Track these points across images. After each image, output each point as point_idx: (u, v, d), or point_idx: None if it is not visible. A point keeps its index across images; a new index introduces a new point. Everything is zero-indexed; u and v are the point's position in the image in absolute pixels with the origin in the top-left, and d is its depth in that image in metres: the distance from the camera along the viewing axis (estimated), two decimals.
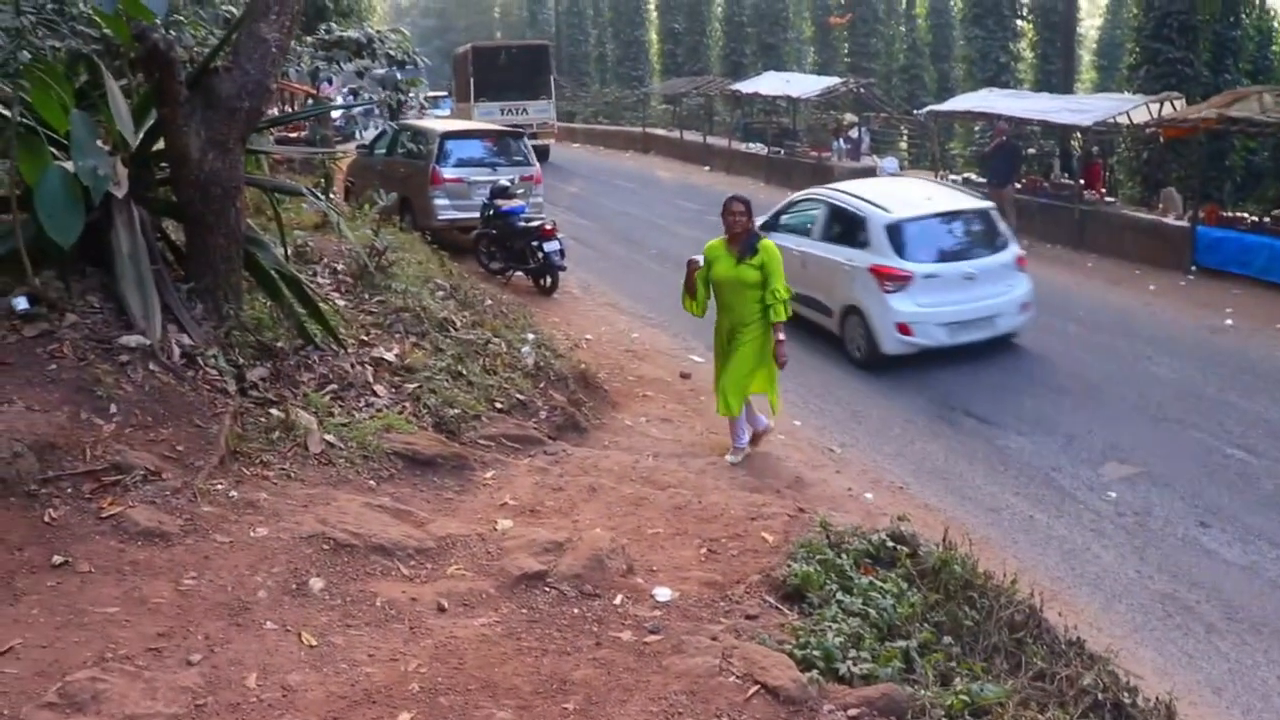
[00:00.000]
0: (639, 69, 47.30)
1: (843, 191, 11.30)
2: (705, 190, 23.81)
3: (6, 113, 4.96)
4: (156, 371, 4.81)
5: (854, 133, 25.11)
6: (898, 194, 11.06)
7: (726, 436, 7.77)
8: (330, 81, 10.92)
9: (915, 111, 24.73)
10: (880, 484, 7.31)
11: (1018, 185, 17.30)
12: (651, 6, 48.53)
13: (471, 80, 29.65)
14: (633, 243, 17.29)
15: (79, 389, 4.49)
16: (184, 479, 4.11)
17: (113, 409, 4.44)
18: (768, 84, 27.10)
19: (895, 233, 10.06)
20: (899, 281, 9.71)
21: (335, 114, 20.10)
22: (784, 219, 11.60)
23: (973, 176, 19.75)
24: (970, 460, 7.86)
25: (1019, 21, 27.45)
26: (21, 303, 4.92)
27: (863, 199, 10.66)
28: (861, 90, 25.80)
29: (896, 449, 8.12)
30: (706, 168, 27.94)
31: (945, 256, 10.24)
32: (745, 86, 28.15)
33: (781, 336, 6.87)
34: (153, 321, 5.02)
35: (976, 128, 24.73)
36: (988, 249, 10.50)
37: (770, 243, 6.97)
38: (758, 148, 26.62)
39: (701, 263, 7.02)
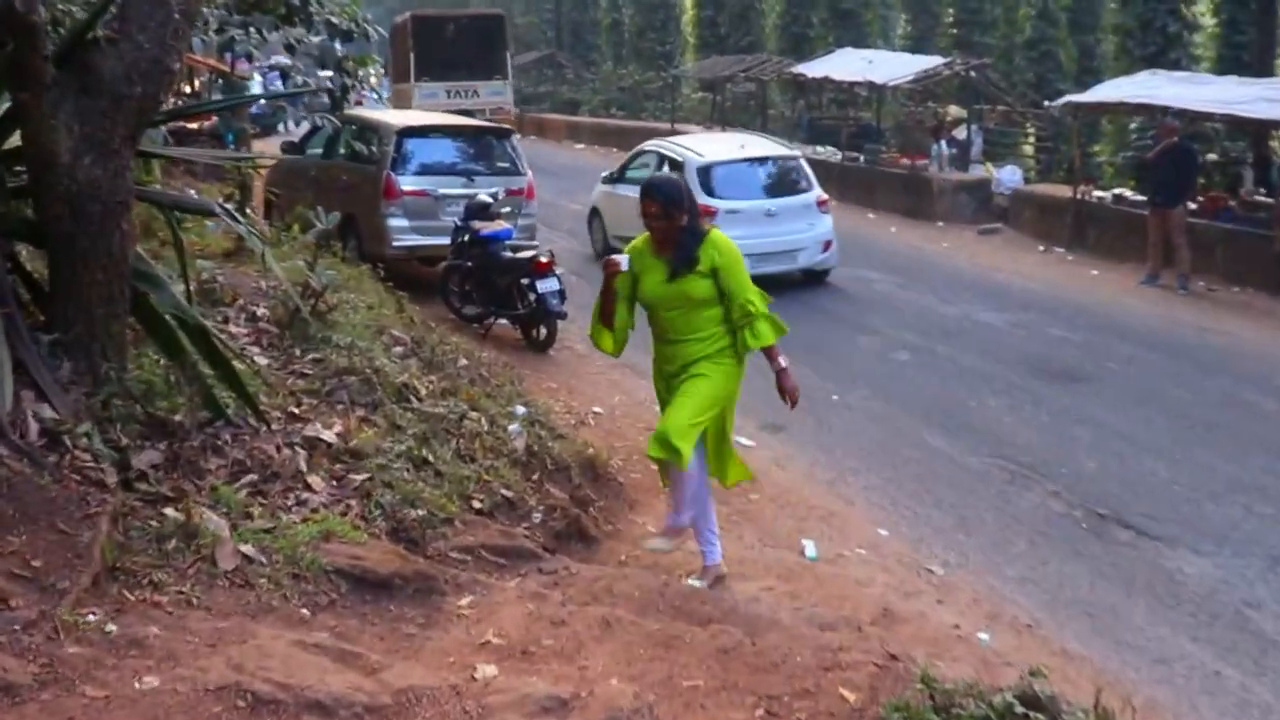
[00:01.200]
0: (667, 44, 47.95)
1: (670, 142, 18.96)
2: None
3: None
4: (6, 456, 4.78)
5: (960, 132, 25.28)
6: (715, 143, 18.91)
7: (788, 551, 7.71)
8: (249, 58, 11.01)
9: (1047, 104, 24.87)
10: (1000, 620, 7.22)
11: (1192, 204, 17.26)
12: None
13: (412, 56, 30.92)
14: None
15: None
16: (41, 607, 4.05)
17: None
18: (842, 65, 27.36)
19: (705, 174, 16.15)
20: (706, 216, 11.63)
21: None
22: (629, 173, 17.84)
23: (1127, 192, 19.80)
24: (1128, 589, 7.77)
25: None
26: None
27: (684, 147, 17.57)
28: (972, 74, 26.02)
29: (1022, 570, 8.03)
30: None
31: (749, 196, 16.38)
32: (812, 69, 28.47)
33: (784, 363, 6.57)
34: (2, 386, 5.00)
35: (1134, 125, 24.83)
36: (790, 192, 16.80)
37: (720, 235, 6.54)
38: (828, 152, 26.80)
39: (625, 265, 6.48)
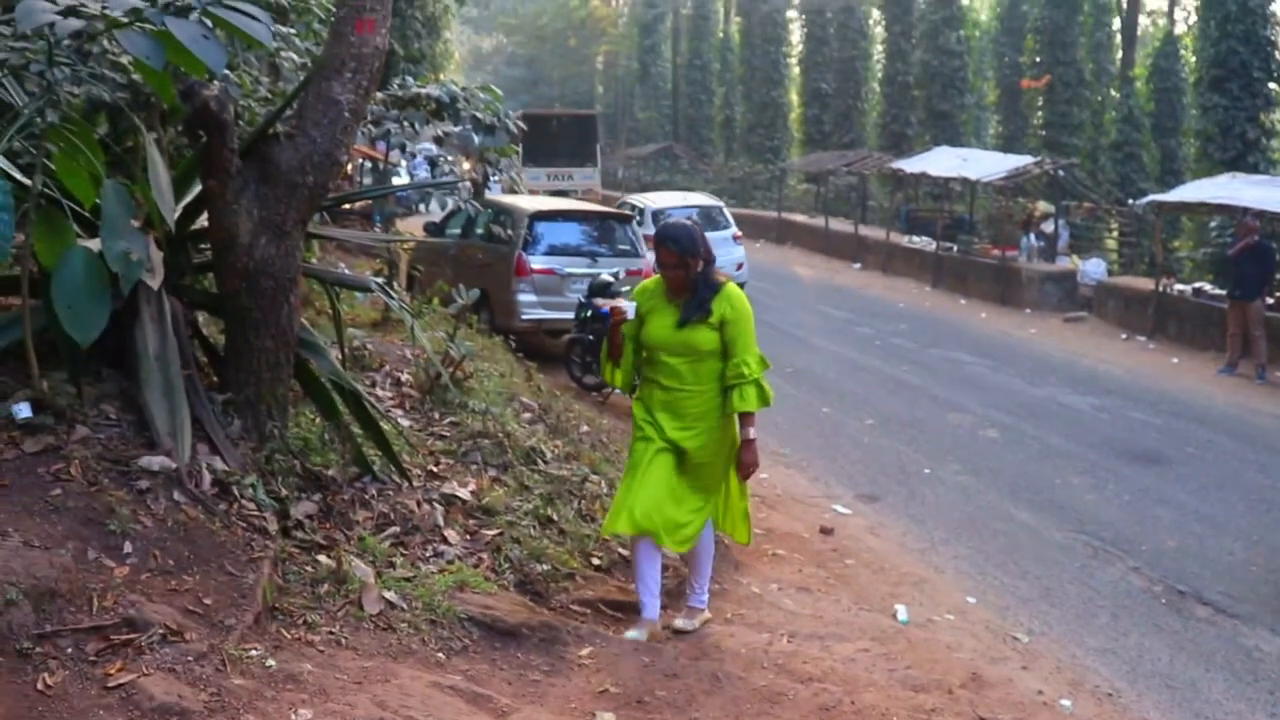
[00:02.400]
0: (775, 139, 48.14)
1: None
2: (855, 294, 23.94)
3: (26, 181, 5.24)
4: (182, 503, 4.92)
5: (1049, 226, 25.04)
6: (664, 199, 25.02)
7: (881, 614, 7.62)
8: (403, 149, 11.29)
9: (1131, 202, 24.55)
10: (1082, 687, 7.04)
11: (1269, 298, 16.94)
12: (793, 62, 49.46)
13: (521, 145, 32.52)
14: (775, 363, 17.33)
15: (87, 521, 4.61)
16: (211, 641, 4.15)
17: (127, 548, 4.54)
18: (939, 162, 27.25)
19: (656, 218, 20.92)
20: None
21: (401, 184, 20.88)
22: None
23: (1207, 286, 19.46)
24: (1206, 664, 7.54)
25: (1272, 85, 26.81)
26: (23, 410, 5.10)
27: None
28: (1060, 173, 25.79)
29: (1104, 642, 7.84)
30: (857, 265, 28.11)
31: None
32: (910, 164, 28.38)
33: (752, 435, 5.85)
34: (180, 440, 5.16)
35: (1213, 224, 24.37)
36: (715, 228, 21.03)
37: (736, 290, 5.93)
38: (923, 242, 26.72)
39: (630, 314, 5.91)
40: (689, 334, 5.79)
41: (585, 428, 9.47)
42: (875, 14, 44.44)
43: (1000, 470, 11.69)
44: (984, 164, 26.03)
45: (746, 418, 5.83)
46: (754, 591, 7.53)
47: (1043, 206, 26.47)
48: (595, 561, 6.55)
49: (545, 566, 6.04)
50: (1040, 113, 35.92)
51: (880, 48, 43.71)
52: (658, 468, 5.80)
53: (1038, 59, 35.26)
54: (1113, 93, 34.82)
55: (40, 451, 4.91)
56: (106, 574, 4.38)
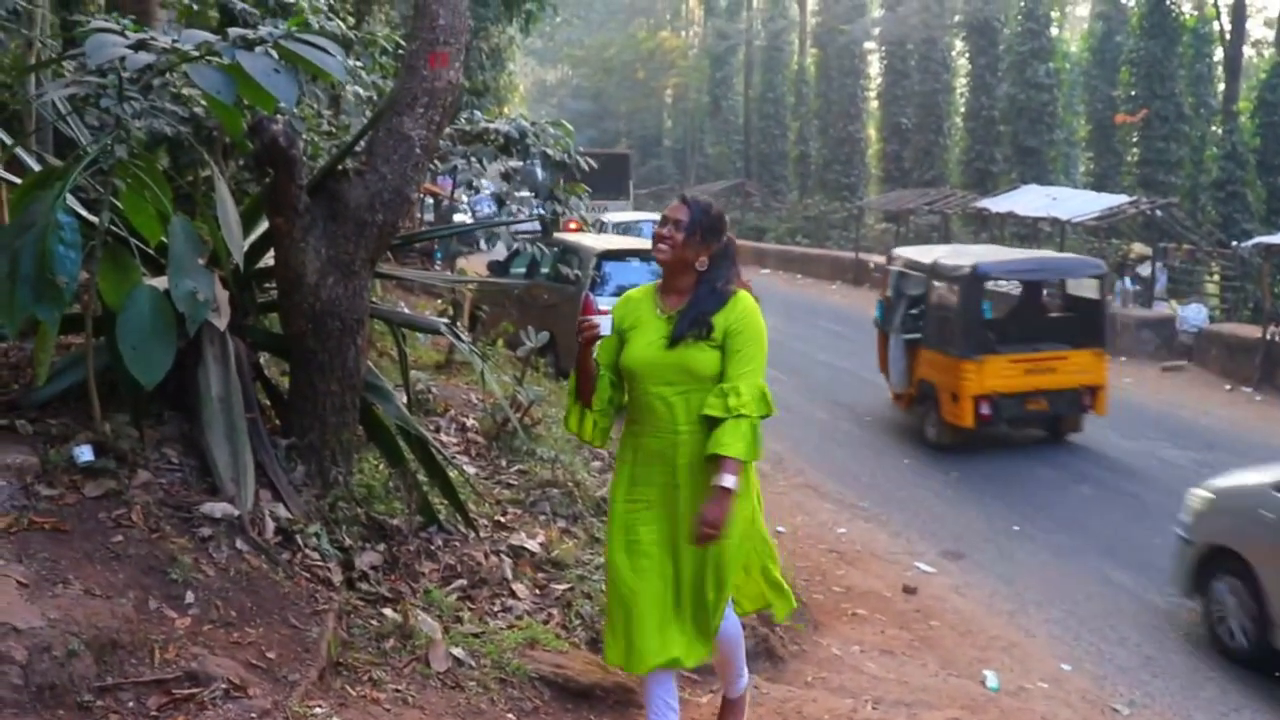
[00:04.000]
0: (851, 175, 48.12)
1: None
2: None
3: (92, 218, 5.35)
4: (245, 551, 4.98)
5: (1145, 269, 24.74)
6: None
7: (970, 680, 7.54)
8: (470, 185, 11.38)
9: (1235, 244, 24.22)
10: None
11: None
12: (872, 96, 49.46)
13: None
14: (839, 405, 17.30)
15: (149, 569, 4.67)
16: (274, 697, 4.18)
17: (189, 598, 4.60)
18: (1027, 201, 27.09)
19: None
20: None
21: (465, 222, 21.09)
22: None
23: None
24: None
25: None
26: (85, 453, 5.19)
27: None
28: (1157, 212, 25.50)
29: (1212, 716, 7.73)
30: None
31: None
32: (996, 203, 28.23)
33: (729, 482, 4.23)
34: (243, 486, 5.22)
35: None
36: None
37: (749, 299, 4.59)
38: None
39: (605, 329, 4.65)
40: (683, 355, 4.45)
41: None
42: (959, 45, 44.35)
43: (1095, 529, 11.53)
44: (1075, 203, 25.83)
45: (725, 465, 4.21)
46: (834, 654, 7.48)
47: (1138, 249, 26.18)
48: None
49: None
50: (1135, 149, 35.54)
51: (964, 81, 43.58)
52: (649, 584, 4.53)
53: (1133, 92, 34.91)
54: (1214, 128, 34.14)
55: (101, 496, 4.99)
56: (168, 625, 4.43)
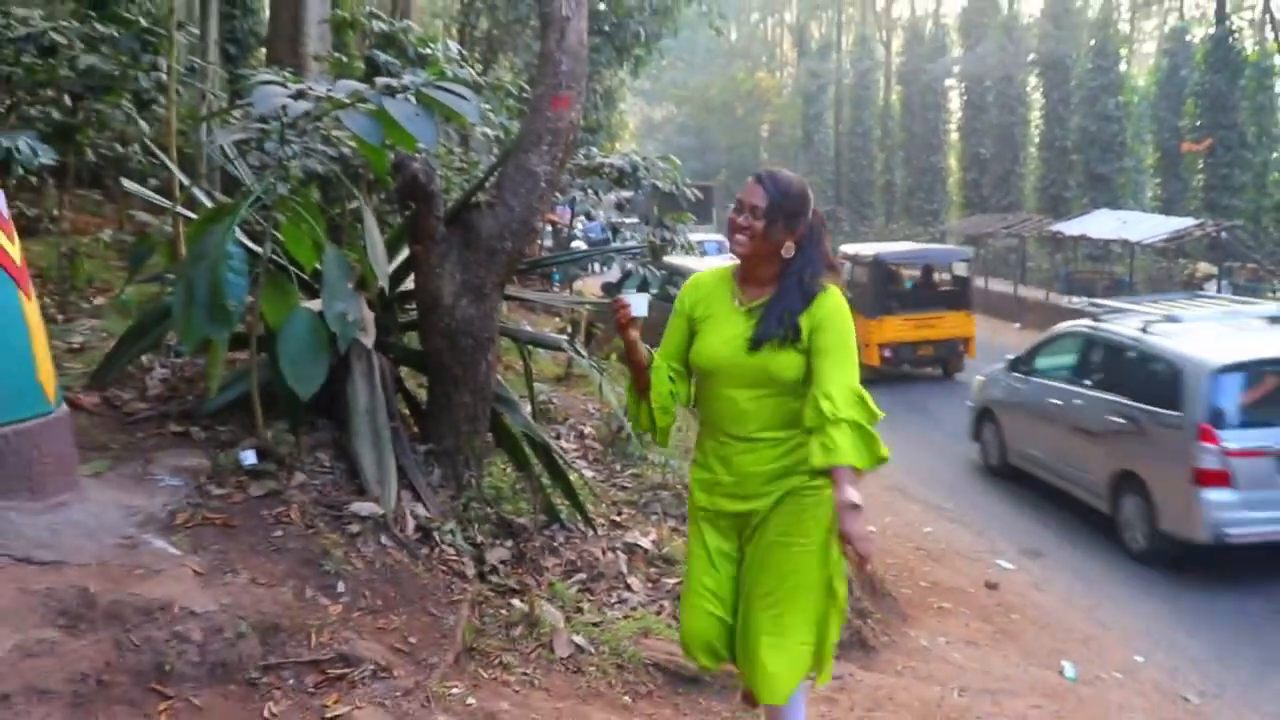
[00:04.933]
0: (934, 202, 47.65)
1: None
2: (1015, 352, 23.36)
3: (257, 248, 5.47)
4: (389, 546, 5.05)
5: (1211, 287, 24.17)
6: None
7: (1048, 670, 7.38)
8: (588, 215, 11.47)
9: None
10: None
11: None
12: (953, 128, 48.96)
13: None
14: (925, 413, 17.12)
15: (305, 561, 4.75)
16: (416, 678, 4.23)
17: (340, 587, 4.67)
18: (1098, 224, 26.65)
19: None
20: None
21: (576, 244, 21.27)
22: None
23: None
24: None
25: None
26: (250, 457, 5.31)
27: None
28: (1222, 234, 24.89)
29: None
30: (1016, 325, 27.44)
31: None
32: (1069, 227, 27.81)
33: (856, 497, 3.31)
34: (387, 488, 5.30)
35: None
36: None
37: (838, 295, 3.70)
38: (1082, 302, 26.04)
39: (639, 309, 3.74)
40: (768, 359, 3.63)
41: None
42: (1033, 81, 43.74)
43: None
44: (1144, 226, 25.37)
45: (842, 475, 3.34)
46: (922, 644, 7.37)
47: (1204, 268, 25.61)
48: None
49: None
50: (1200, 175, 34.72)
51: (1038, 113, 42.95)
52: (715, 586, 3.90)
53: (1198, 122, 34.10)
54: (1275, 155, 33.56)
55: (264, 496, 5.10)
56: (322, 611, 4.50)
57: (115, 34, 8.39)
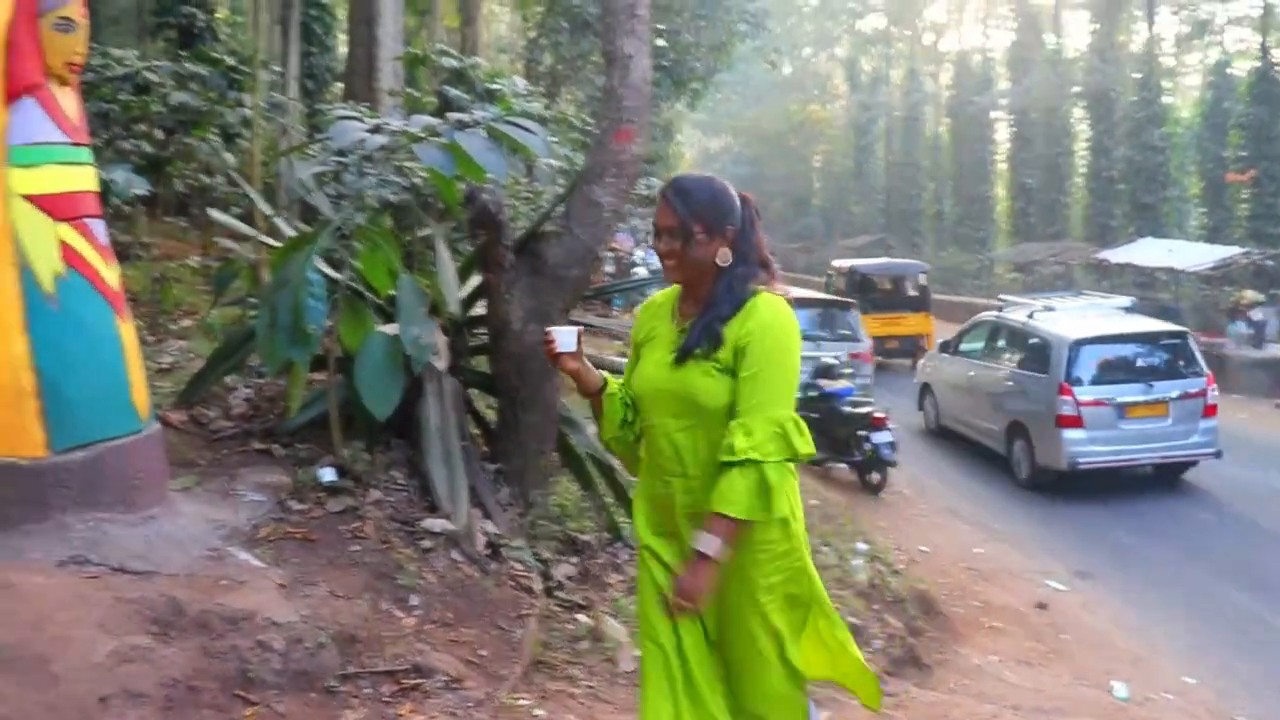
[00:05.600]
0: (982, 230, 47.31)
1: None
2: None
3: (336, 275, 5.54)
4: (460, 562, 5.08)
5: (1257, 314, 23.72)
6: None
7: (1098, 690, 7.26)
8: (633, 236, 11.51)
9: None
10: None
11: None
12: (1000, 159, 48.65)
13: None
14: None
15: (380, 575, 4.79)
16: (487, 689, 4.25)
17: (413, 601, 4.70)
18: (1144, 253, 26.35)
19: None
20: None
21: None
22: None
23: None
24: None
25: None
26: (329, 474, 5.37)
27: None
28: (1267, 262, 24.50)
29: None
30: None
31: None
32: (1116, 255, 27.52)
33: (712, 549, 2.90)
34: (459, 505, 5.33)
35: None
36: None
37: (771, 301, 3.07)
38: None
39: (563, 342, 3.18)
40: (687, 377, 3.04)
41: (814, 501, 9.37)
42: (1079, 113, 43.43)
43: (1217, 553, 11.01)
44: (1190, 254, 25.06)
45: (719, 526, 2.89)
46: (975, 663, 7.29)
47: (1250, 295, 25.12)
48: None
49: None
50: (1245, 205, 34.27)
51: (1084, 144, 42.63)
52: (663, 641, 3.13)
53: (1242, 153, 33.67)
54: None
55: (341, 511, 5.15)
56: (396, 623, 4.53)
57: (204, 72, 8.56)
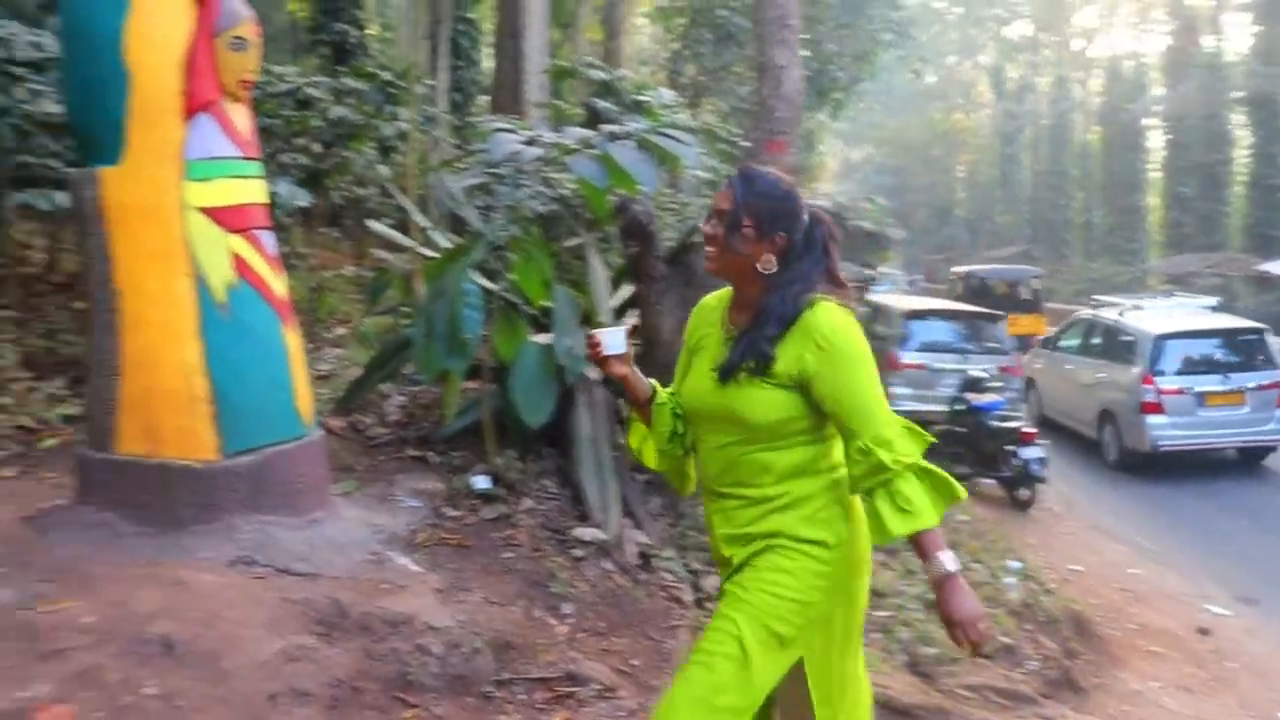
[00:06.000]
0: (1134, 241, 45.95)
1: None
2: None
3: (490, 285, 5.63)
4: (611, 571, 5.11)
5: None
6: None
7: None
8: None
9: None
10: None
11: None
12: (1153, 167, 47.18)
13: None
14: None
15: (533, 582, 4.85)
16: (639, 700, 4.25)
17: (566, 609, 4.74)
18: None
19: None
20: None
21: None
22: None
23: None
24: None
25: None
26: (483, 482, 5.45)
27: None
28: None
29: None
30: None
31: None
32: (1277, 267, 26.37)
33: (951, 565, 2.59)
34: (610, 514, 5.36)
35: None
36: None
37: (831, 312, 2.74)
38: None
39: (611, 345, 2.93)
40: (734, 396, 2.75)
41: (962, 517, 9.18)
42: (1238, 119, 41.83)
43: None
44: None
45: (925, 541, 2.60)
46: (1134, 688, 7.05)
47: None
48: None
49: (934, 650, 5.86)
50: None
51: (1245, 151, 41.03)
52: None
53: None
54: None
55: (495, 519, 5.23)
56: (549, 631, 4.57)
57: (361, 87, 8.80)
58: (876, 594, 6.21)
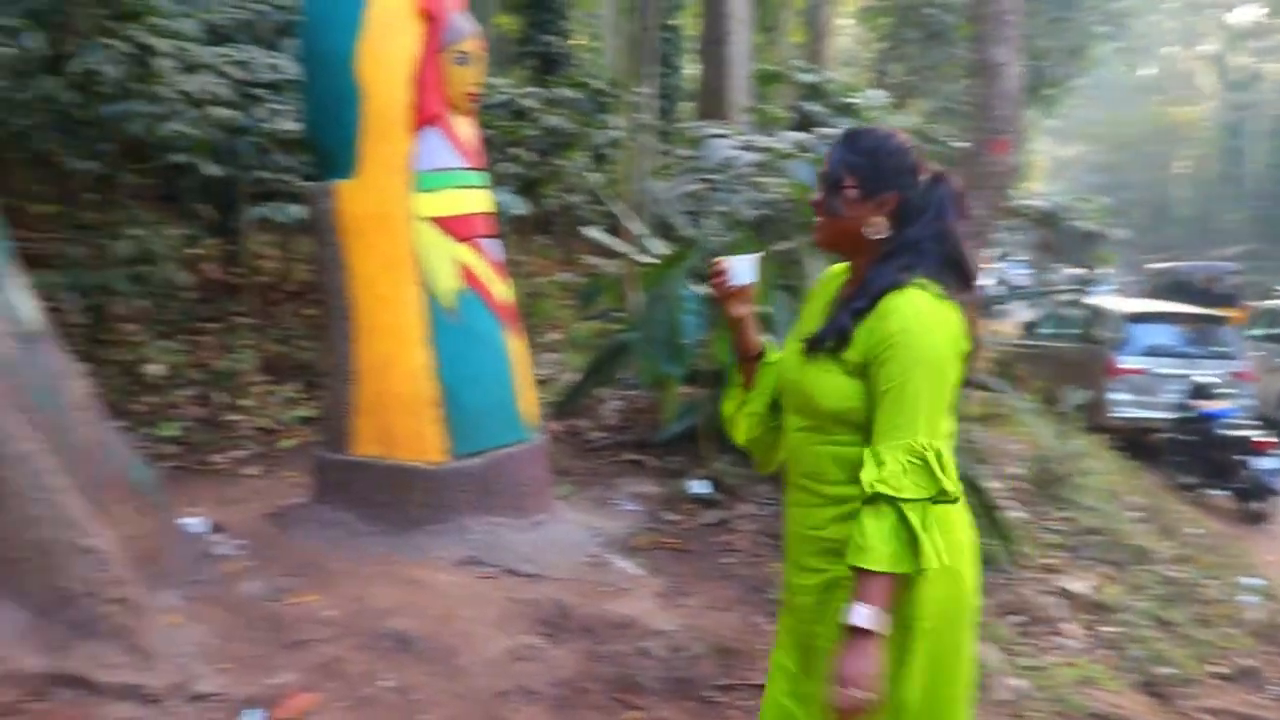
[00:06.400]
0: None
1: None
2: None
3: (707, 290, 5.65)
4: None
5: None
6: None
7: None
8: (1003, 255, 11.18)
9: None
10: None
11: None
12: None
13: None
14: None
15: (751, 589, 4.83)
16: None
17: None
18: None
19: None
20: None
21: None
22: None
23: None
24: None
25: None
26: (701, 486, 5.47)
27: None
28: None
29: None
30: None
31: None
32: None
33: (868, 621, 2.21)
34: None
35: None
36: None
37: (914, 298, 2.31)
38: None
39: (740, 274, 2.62)
40: (809, 372, 2.43)
41: (1193, 529, 8.74)
42: None
43: None
44: None
45: (865, 587, 2.23)
46: None
47: None
48: (1218, 669, 5.98)
49: (1169, 670, 5.58)
50: None
51: None
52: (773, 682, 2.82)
53: None
54: None
55: (713, 524, 5.23)
56: (767, 638, 4.54)
57: (573, 96, 8.96)
58: (1101, 608, 5.98)
